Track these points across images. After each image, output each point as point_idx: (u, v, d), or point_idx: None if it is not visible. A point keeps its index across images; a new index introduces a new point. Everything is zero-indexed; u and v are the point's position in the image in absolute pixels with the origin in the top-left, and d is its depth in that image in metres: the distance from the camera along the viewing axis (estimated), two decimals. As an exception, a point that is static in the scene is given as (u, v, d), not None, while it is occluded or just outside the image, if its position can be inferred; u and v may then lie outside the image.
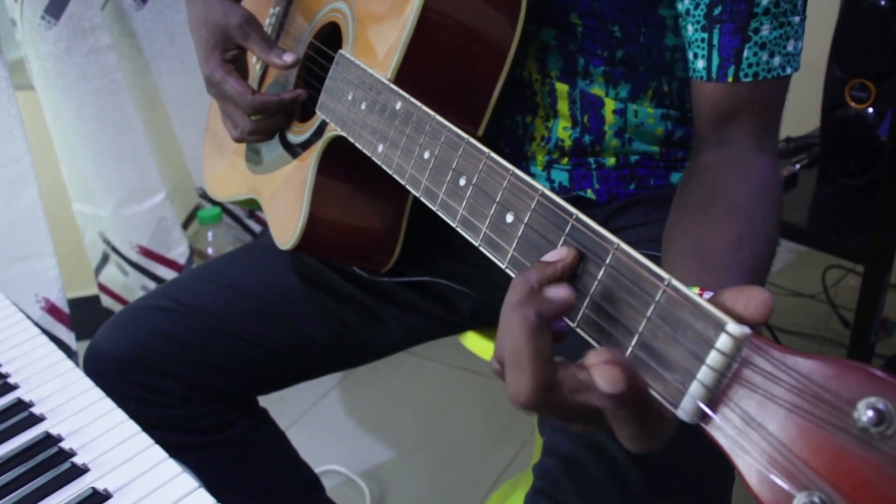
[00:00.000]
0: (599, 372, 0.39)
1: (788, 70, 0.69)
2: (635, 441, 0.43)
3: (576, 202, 0.84)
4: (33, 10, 1.38)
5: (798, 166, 1.61)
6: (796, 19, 0.68)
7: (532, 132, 0.82)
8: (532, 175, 0.84)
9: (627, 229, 0.83)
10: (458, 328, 0.99)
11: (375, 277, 0.91)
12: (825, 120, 1.54)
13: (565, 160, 0.83)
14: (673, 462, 0.63)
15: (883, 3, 1.38)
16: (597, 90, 0.79)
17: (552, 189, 0.84)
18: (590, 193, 0.84)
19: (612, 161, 0.83)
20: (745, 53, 0.68)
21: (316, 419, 1.69)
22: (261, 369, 0.93)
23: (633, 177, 0.84)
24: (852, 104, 1.48)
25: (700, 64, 0.70)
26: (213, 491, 0.58)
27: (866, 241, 1.31)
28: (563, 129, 0.81)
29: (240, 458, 0.96)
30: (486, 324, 0.98)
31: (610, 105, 0.80)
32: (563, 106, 0.80)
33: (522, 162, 0.84)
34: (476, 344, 0.98)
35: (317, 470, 1.07)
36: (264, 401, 1.01)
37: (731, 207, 0.64)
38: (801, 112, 1.66)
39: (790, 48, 0.69)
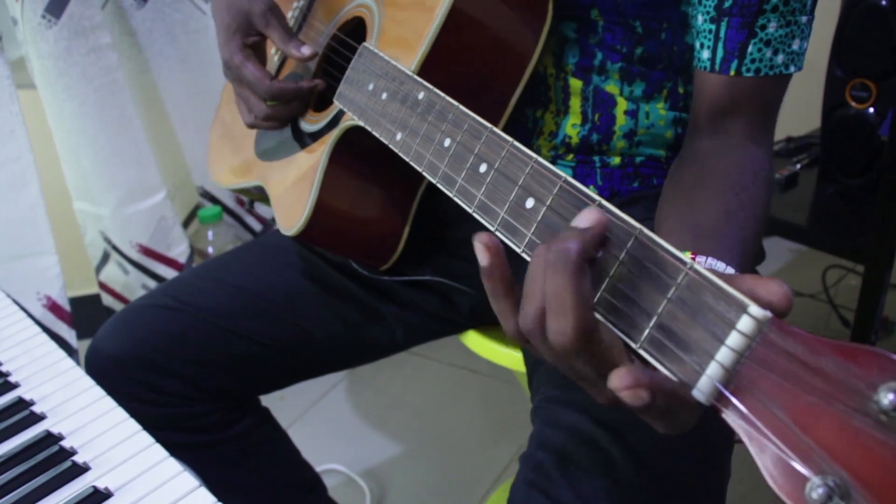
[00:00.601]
0: (625, 395, 0.39)
1: (791, 69, 0.70)
2: (665, 430, 0.44)
3: None
4: (34, 9, 1.38)
5: (798, 166, 1.61)
6: (804, 19, 0.69)
7: (541, 126, 0.82)
8: None
9: None
10: (459, 327, 0.99)
11: (375, 276, 0.91)
12: (826, 119, 1.54)
13: (570, 156, 0.83)
14: (666, 456, 0.64)
15: (884, 2, 1.38)
16: (611, 87, 0.79)
17: None
18: (592, 190, 0.84)
19: (616, 160, 0.83)
20: (750, 49, 0.68)
21: (316, 418, 1.69)
22: (262, 367, 0.93)
23: (636, 175, 0.84)
24: (853, 104, 1.48)
25: (705, 54, 0.71)
26: (214, 490, 0.58)
27: (867, 241, 1.31)
28: (571, 126, 0.81)
29: (241, 457, 0.97)
30: (487, 322, 0.98)
31: (622, 105, 0.80)
32: (574, 102, 0.80)
33: None
34: (477, 343, 0.98)
35: (317, 469, 1.07)
36: (265, 400, 1.02)
37: (719, 186, 0.65)
38: (802, 112, 1.66)
39: (795, 47, 0.69)
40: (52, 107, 1.49)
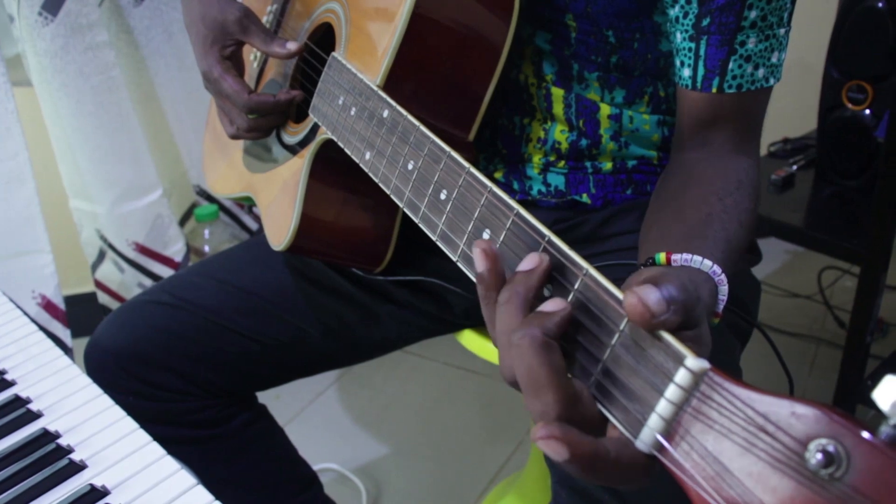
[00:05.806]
0: (541, 445, 0.38)
1: (772, 81, 0.70)
2: (617, 485, 0.41)
3: (571, 206, 0.84)
4: (30, 6, 1.37)
5: (795, 167, 1.62)
6: (781, 31, 0.69)
7: (528, 133, 0.82)
8: (528, 178, 0.84)
9: (622, 235, 0.83)
10: (453, 326, 0.99)
11: (369, 276, 0.91)
12: (822, 121, 1.54)
13: (562, 163, 0.83)
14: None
15: (880, 4, 1.38)
16: (592, 95, 0.79)
17: (548, 192, 0.84)
18: (585, 198, 0.84)
19: (608, 166, 0.83)
20: (731, 65, 0.68)
21: (312, 417, 1.69)
22: (258, 365, 0.93)
23: (629, 182, 0.84)
24: (849, 105, 1.48)
25: (686, 72, 0.71)
26: (210, 486, 0.58)
27: (863, 243, 1.31)
28: (560, 132, 0.81)
29: (237, 453, 0.97)
30: (480, 322, 0.98)
31: (605, 110, 0.80)
32: (558, 109, 0.80)
33: (520, 164, 0.84)
34: (473, 342, 0.98)
35: (313, 468, 1.07)
36: (261, 398, 1.01)
37: (703, 192, 0.65)
38: (799, 113, 1.67)
39: (774, 60, 0.70)
40: (49, 104, 1.49)
